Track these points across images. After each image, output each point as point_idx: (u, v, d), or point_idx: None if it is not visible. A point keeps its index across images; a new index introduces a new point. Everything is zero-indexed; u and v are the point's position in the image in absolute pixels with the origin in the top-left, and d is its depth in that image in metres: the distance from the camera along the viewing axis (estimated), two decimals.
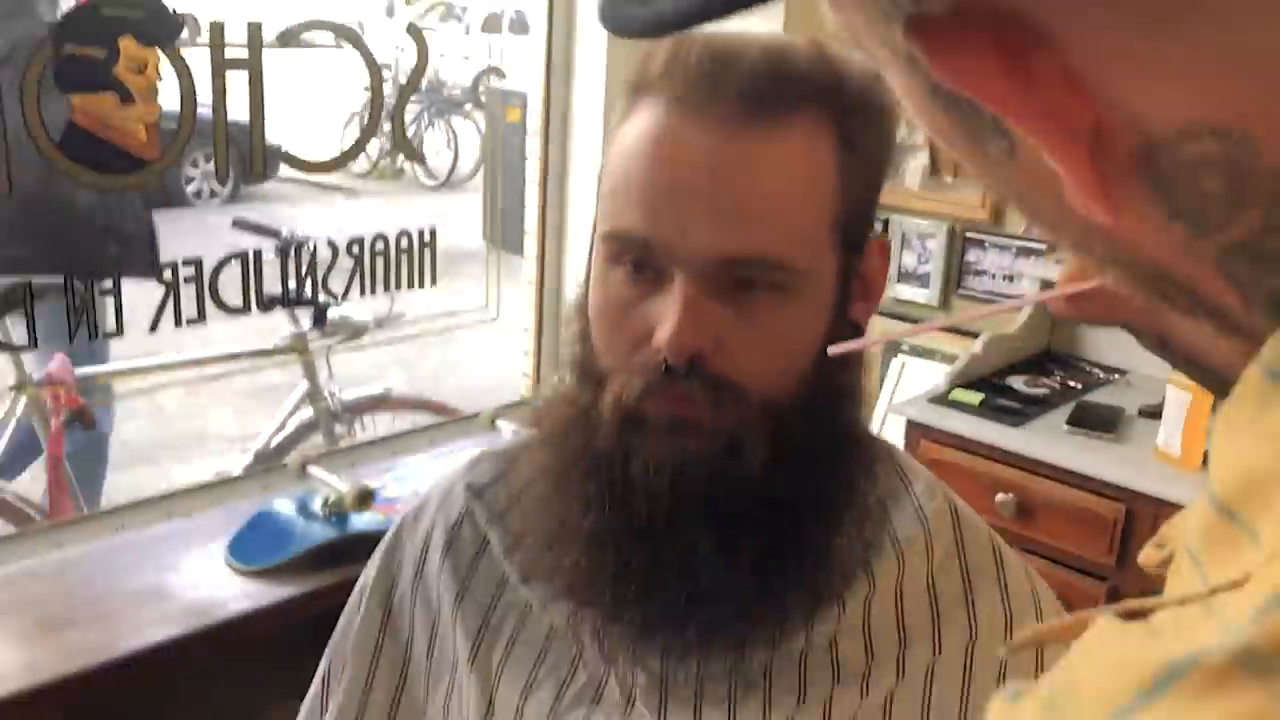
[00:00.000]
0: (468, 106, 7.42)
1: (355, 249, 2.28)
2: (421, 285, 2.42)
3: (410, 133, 7.07)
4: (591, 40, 2.65)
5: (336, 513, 1.67)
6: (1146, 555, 0.47)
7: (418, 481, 1.86)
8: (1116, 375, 2.38)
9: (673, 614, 0.78)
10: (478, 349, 3.64)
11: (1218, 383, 0.60)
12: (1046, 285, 2.28)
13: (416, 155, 2.77)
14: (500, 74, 8.17)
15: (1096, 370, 2.40)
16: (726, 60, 0.73)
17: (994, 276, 2.59)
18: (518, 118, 5.81)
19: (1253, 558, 0.25)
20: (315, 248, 2.17)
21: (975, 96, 0.28)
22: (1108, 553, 1.99)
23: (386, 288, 2.36)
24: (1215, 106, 0.25)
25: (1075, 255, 0.36)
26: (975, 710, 0.81)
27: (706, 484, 0.75)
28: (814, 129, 0.74)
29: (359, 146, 2.58)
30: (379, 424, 2.96)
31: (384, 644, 0.94)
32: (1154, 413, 2.15)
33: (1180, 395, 1.92)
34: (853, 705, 0.80)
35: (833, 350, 0.69)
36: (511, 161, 3.85)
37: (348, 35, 2.26)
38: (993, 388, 2.26)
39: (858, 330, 0.82)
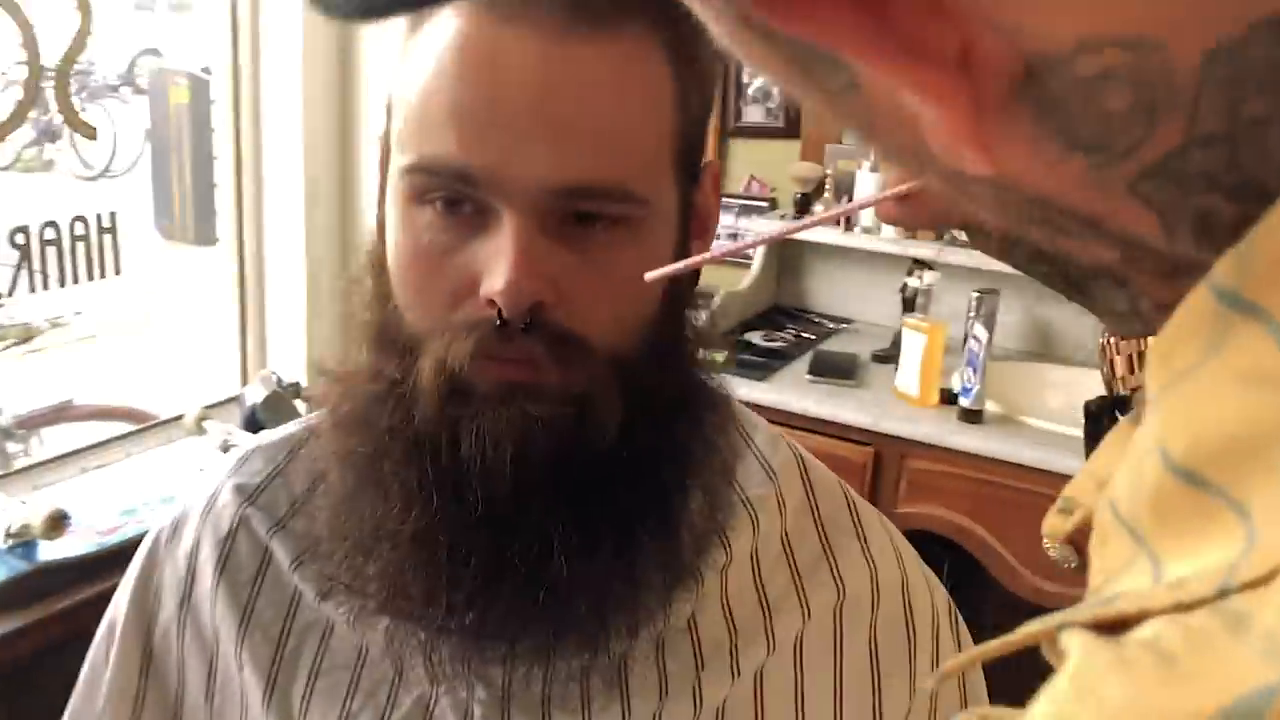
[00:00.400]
0: (124, 90, 6.78)
1: (19, 239, 1.96)
2: (104, 276, 2.14)
3: (60, 120, 6.40)
4: (280, 6, 2.42)
5: (22, 542, 1.42)
6: (1051, 525, 0.40)
7: (119, 499, 1.62)
8: (845, 324, 2.45)
9: (517, 615, 0.66)
10: (170, 346, 3.29)
11: (1068, 278, 0.56)
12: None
13: (90, 131, 2.44)
14: (157, 54, 7.53)
15: (825, 321, 2.45)
16: None
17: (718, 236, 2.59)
18: (185, 98, 5.34)
19: (1241, 536, 0.20)
20: None
21: (811, 39, 0.23)
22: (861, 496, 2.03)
23: (62, 283, 2.06)
24: (1117, 12, 0.22)
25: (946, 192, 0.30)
26: (849, 676, 0.74)
27: (556, 456, 0.64)
28: (646, 37, 0.64)
29: (16, 118, 2.24)
30: (61, 438, 2.60)
31: (147, 693, 0.77)
32: (885, 357, 2.22)
33: (914, 337, 1.98)
34: (723, 687, 0.71)
35: (649, 276, 0.59)
36: (183, 146, 3.51)
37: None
38: (733, 345, 2.25)
39: (696, 271, 0.74)
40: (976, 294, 2.16)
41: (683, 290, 0.72)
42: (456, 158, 0.62)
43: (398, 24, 0.68)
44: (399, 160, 0.65)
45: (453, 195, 0.63)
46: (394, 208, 0.67)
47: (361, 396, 0.69)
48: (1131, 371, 0.54)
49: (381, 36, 2.47)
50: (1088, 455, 0.58)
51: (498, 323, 0.62)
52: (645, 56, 0.64)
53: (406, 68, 0.65)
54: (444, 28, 0.63)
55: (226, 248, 2.62)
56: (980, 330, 1.90)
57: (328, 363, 0.73)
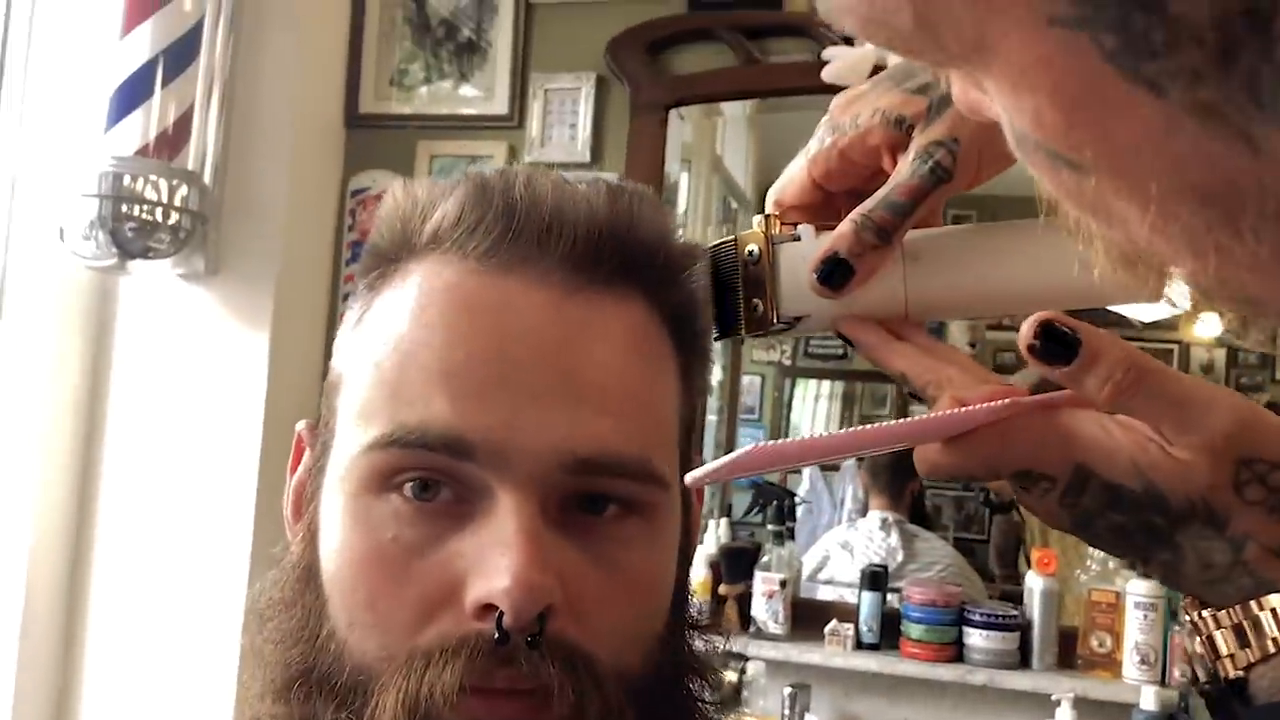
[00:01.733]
0: None
1: None
2: None
3: None
4: (18, 394, 2.19)
5: None
6: None
7: None
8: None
9: None
10: None
11: (1150, 528, 0.46)
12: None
13: None
14: None
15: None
16: (562, 202, 0.53)
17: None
18: None
19: None
20: None
21: None
22: None
23: None
24: None
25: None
26: None
27: None
28: (652, 306, 0.56)
29: None
30: None
31: None
32: None
33: None
34: None
35: (690, 478, 0.47)
36: None
37: None
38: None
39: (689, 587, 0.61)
40: (790, 690, 2.07)
41: (687, 605, 0.59)
42: (447, 423, 0.49)
43: (356, 290, 0.56)
44: (358, 439, 0.51)
45: (432, 475, 0.50)
46: (340, 502, 0.52)
47: None
48: (1243, 646, 0.44)
49: (133, 440, 2.26)
50: None
51: (495, 636, 0.47)
52: (653, 325, 0.56)
53: (367, 332, 0.54)
54: (425, 281, 0.53)
55: None
56: None
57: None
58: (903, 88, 0.52)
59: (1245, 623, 0.45)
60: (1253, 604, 0.44)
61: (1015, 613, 2.09)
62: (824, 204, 0.57)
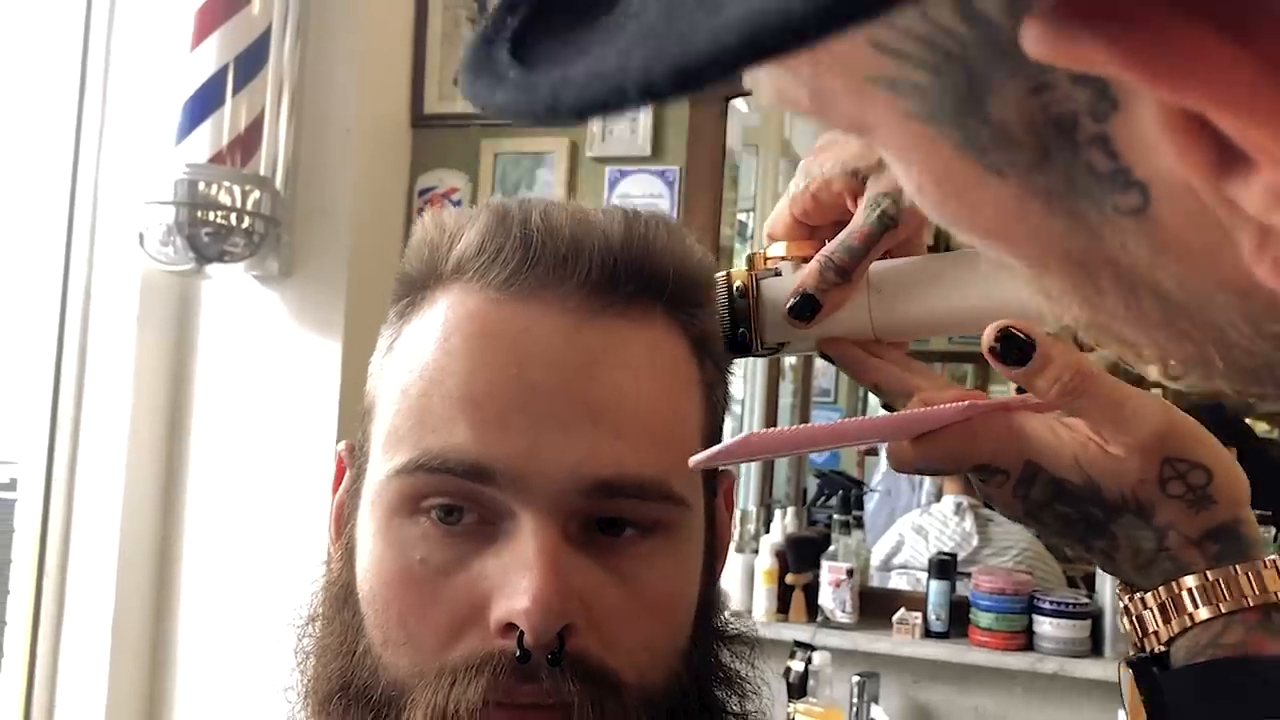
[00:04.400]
0: None
1: None
2: None
3: None
4: (108, 393, 2.28)
5: None
6: None
7: None
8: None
9: None
10: None
11: (1089, 520, 0.53)
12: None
13: None
14: None
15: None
16: (579, 230, 0.55)
17: None
18: None
19: None
20: None
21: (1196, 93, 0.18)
22: None
23: None
24: None
25: (1189, 353, 0.25)
26: None
27: None
28: (673, 326, 0.57)
29: None
30: None
31: None
32: None
33: None
34: None
35: (695, 461, 0.51)
36: None
37: None
38: None
39: (718, 596, 0.62)
40: (858, 678, 2.07)
41: (713, 618, 0.61)
42: (470, 450, 0.51)
43: (388, 318, 0.59)
44: (387, 463, 0.54)
45: (456, 500, 0.52)
46: (374, 524, 0.54)
47: None
48: (1166, 622, 0.51)
49: (216, 438, 2.34)
50: (1130, 712, 0.53)
51: (517, 654, 0.49)
52: (674, 344, 0.57)
53: (400, 358, 0.56)
54: (449, 310, 0.55)
55: (14, 670, 2.28)
56: (879, 713, 1.79)
57: None
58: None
59: (1168, 601, 0.52)
60: (1174, 584, 0.52)
61: (1087, 600, 2.07)
62: (807, 235, 0.62)
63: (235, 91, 2.16)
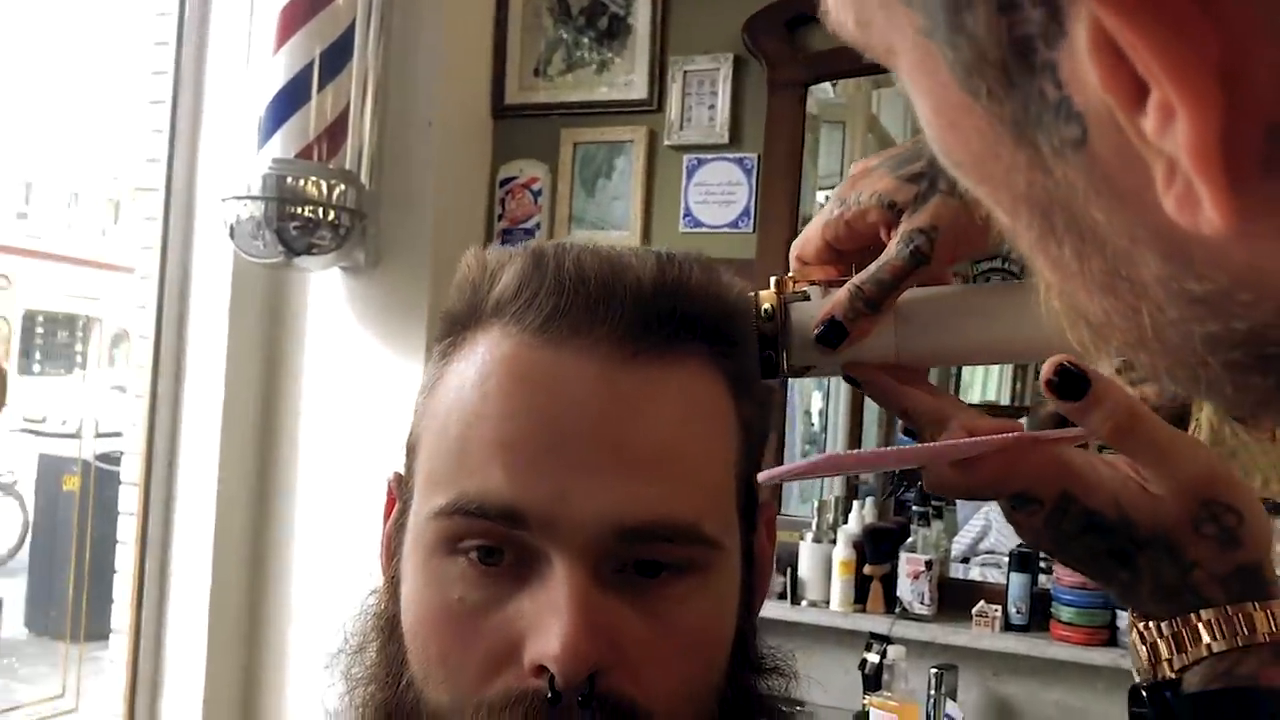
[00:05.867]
0: (9, 478, 6.53)
1: None
2: None
3: None
4: (204, 381, 2.37)
5: None
6: None
7: None
8: (798, 708, 2.29)
9: None
10: None
11: (1115, 553, 0.55)
12: None
13: None
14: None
15: (776, 705, 2.29)
16: (611, 275, 0.56)
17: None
18: (75, 486, 5.15)
19: None
20: None
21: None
22: None
23: None
24: None
25: (1131, 326, 0.25)
26: None
27: None
28: (708, 365, 0.58)
29: None
30: None
31: None
32: None
33: (885, 718, 1.84)
34: None
35: (764, 477, 0.56)
36: (78, 535, 3.33)
37: None
38: None
39: (754, 631, 0.63)
40: (935, 670, 2.06)
41: (750, 652, 0.62)
42: (504, 494, 0.53)
43: (433, 352, 0.61)
44: (429, 503, 0.56)
45: (493, 542, 0.54)
46: (416, 560, 0.57)
47: None
48: (1180, 651, 0.53)
49: (307, 425, 2.42)
50: None
51: (549, 695, 0.51)
52: (709, 385, 0.58)
53: (440, 398, 0.58)
54: (487, 352, 0.56)
55: (120, 642, 2.40)
56: (954, 708, 1.79)
57: None
58: (897, 174, 0.59)
59: (1184, 632, 0.54)
60: (1191, 616, 0.54)
61: None
62: (837, 260, 0.63)
63: (321, 87, 2.21)
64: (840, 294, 0.59)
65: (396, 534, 0.60)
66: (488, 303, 0.58)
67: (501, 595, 0.54)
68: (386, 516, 0.64)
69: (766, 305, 0.61)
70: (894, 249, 0.58)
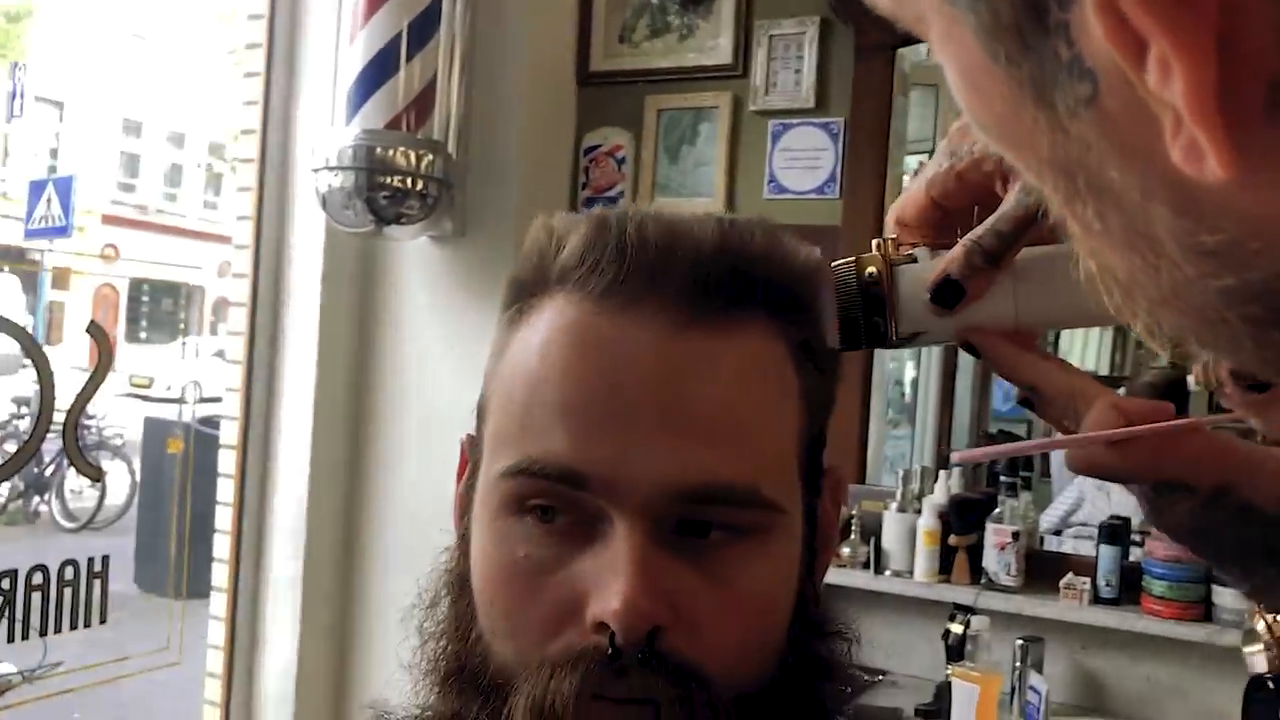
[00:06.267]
0: (118, 441, 6.79)
1: (6, 584, 1.84)
2: (88, 625, 1.99)
3: (49, 471, 6.36)
4: (298, 348, 2.44)
5: None
6: None
7: None
8: (880, 677, 2.29)
9: None
10: (151, 702, 3.07)
11: (1270, 547, 0.53)
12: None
13: (97, 473, 2.39)
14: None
15: (860, 673, 2.29)
16: (670, 242, 0.56)
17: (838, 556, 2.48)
18: (179, 449, 5.34)
19: None
20: None
21: None
22: None
23: (44, 632, 1.91)
24: None
25: (1154, 284, 0.24)
26: None
27: None
28: (771, 330, 0.58)
29: (13, 467, 2.18)
30: None
31: None
32: (930, 712, 2.05)
33: (966, 690, 1.83)
34: None
35: (958, 458, 0.54)
36: (181, 496, 3.44)
37: (22, 339, 1.93)
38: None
39: (817, 596, 0.64)
40: (1021, 642, 2.04)
41: (810, 615, 0.62)
42: (565, 458, 0.54)
43: (500, 319, 0.62)
44: (495, 464, 0.57)
45: (555, 503, 0.55)
46: (484, 519, 0.58)
47: None
48: None
49: (398, 391, 2.47)
50: None
51: (609, 652, 0.52)
52: (770, 349, 0.58)
53: (508, 363, 0.59)
54: (553, 318, 0.57)
55: (219, 599, 2.49)
56: (1038, 680, 1.76)
57: (389, 703, 0.61)
58: None
59: None
60: None
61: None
62: (941, 221, 0.59)
63: (409, 58, 2.24)
64: (956, 250, 0.56)
65: (467, 494, 0.62)
66: (553, 270, 0.58)
67: (564, 554, 0.55)
68: (459, 476, 0.66)
69: (871, 269, 0.59)
70: (1013, 199, 0.55)
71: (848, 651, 0.63)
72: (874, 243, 0.60)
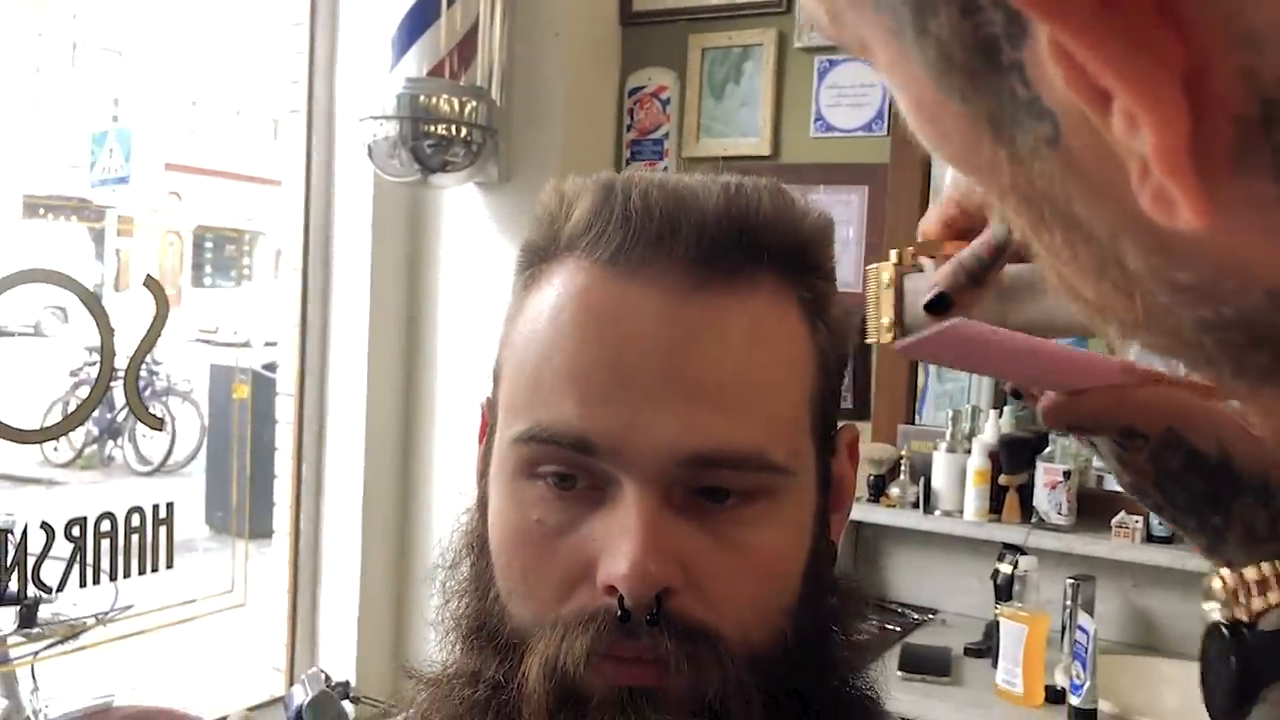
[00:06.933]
0: (185, 387, 6.95)
1: (75, 531, 1.91)
2: (155, 570, 2.06)
3: (121, 417, 6.55)
4: (350, 296, 2.47)
5: None
6: None
7: None
8: (930, 615, 2.30)
9: None
10: (218, 642, 3.18)
11: (1211, 496, 0.55)
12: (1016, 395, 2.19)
13: (157, 423, 2.45)
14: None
15: (909, 612, 2.30)
16: (675, 206, 0.56)
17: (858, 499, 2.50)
18: (246, 394, 5.46)
19: None
20: (26, 532, 1.80)
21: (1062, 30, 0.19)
22: None
23: (113, 576, 1.98)
24: None
25: (1127, 310, 0.24)
26: None
27: None
28: (781, 290, 0.58)
29: (83, 413, 2.24)
30: None
31: None
32: (979, 650, 2.05)
33: (1014, 629, 1.83)
34: None
35: (900, 345, 0.59)
36: (243, 441, 3.51)
37: (79, 291, 1.98)
38: None
39: (834, 553, 0.65)
40: (1071, 581, 2.03)
41: (824, 573, 0.63)
42: (575, 424, 0.55)
43: (513, 284, 0.63)
44: (509, 429, 0.58)
45: (567, 468, 0.56)
46: (500, 482, 0.59)
47: (457, 704, 0.59)
48: (1263, 594, 0.55)
49: (449, 337, 2.50)
50: (1204, 680, 0.56)
51: (619, 613, 0.53)
52: (781, 311, 0.58)
53: (520, 329, 0.60)
54: (563, 285, 0.58)
55: (281, 541, 2.56)
56: (1086, 620, 1.76)
57: (415, 663, 0.63)
58: None
59: (1271, 577, 0.54)
60: (1276, 563, 0.54)
61: None
62: (960, 235, 0.63)
63: (450, 2, 2.23)
64: (945, 268, 0.61)
65: (485, 455, 0.63)
66: (563, 235, 0.59)
67: (577, 517, 0.56)
68: (480, 439, 0.67)
69: (885, 275, 0.66)
70: (992, 225, 0.60)
71: (860, 610, 0.64)
72: (892, 253, 0.65)
